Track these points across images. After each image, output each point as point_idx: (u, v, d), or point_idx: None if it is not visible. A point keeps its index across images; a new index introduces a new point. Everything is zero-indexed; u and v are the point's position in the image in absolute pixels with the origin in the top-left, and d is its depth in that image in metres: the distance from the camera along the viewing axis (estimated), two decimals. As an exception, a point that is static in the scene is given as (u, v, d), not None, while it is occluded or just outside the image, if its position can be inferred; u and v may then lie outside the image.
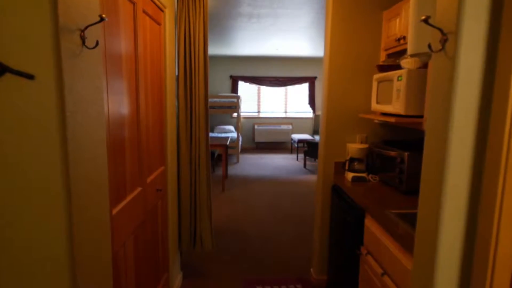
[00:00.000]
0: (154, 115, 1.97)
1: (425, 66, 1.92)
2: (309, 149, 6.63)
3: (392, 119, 1.87)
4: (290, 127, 9.17)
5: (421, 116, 1.82)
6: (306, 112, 9.43)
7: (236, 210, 4.34)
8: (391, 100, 2.02)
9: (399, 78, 1.91)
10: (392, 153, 2.07)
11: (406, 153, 1.94)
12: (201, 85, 2.51)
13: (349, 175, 2.33)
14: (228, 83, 9.09)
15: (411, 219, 1.58)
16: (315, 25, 5.05)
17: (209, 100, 7.18)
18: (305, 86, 9.29)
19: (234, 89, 9.04)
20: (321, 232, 2.58)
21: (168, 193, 2.30)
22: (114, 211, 1.35)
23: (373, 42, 2.40)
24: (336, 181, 2.41)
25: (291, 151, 8.70)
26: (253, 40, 6.38)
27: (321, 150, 2.56)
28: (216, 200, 4.67)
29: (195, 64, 2.47)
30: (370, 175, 2.32)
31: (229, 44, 6.98)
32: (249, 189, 5.26)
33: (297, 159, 7.73)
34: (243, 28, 5.35)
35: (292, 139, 8.38)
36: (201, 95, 2.52)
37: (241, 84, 9.15)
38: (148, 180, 1.85)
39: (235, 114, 8.91)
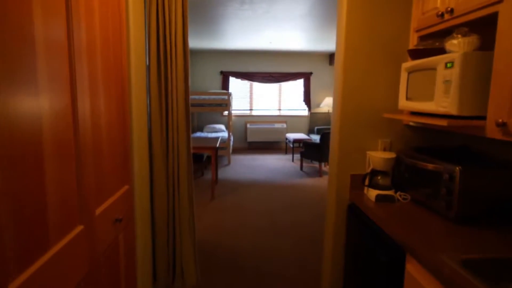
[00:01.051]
0: (109, 116, 1.41)
1: (481, 47, 1.41)
2: (306, 150, 6.12)
3: (444, 122, 1.35)
4: (285, 125, 8.66)
5: (483, 117, 1.31)
6: (301, 110, 8.92)
7: (228, 221, 3.80)
8: (432, 95, 1.50)
9: (448, 65, 1.39)
10: (433, 166, 1.56)
11: (457, 168, 1.42)
12: (180, 77, 1.95)
13: (372, 193, 1.81)
14: (218, 79, 8.52)
15: (494, 273, 1.07)
16: (312, 14, 4.52)
17: (198, 97, 6.60)
18: (300, 83, 8.77)
19: (225, 85, 8.47)
20: (333, 265, 2.06)
21: (136, 221, 1.74)
22: (16, 283, 0.80)
23: (401, 22, 1.88)
24: (353, 199, 1.89)
25: (285, 151, 8.19)
26: (245, 32, 5.82)
27: (333, 159, 2.03)
28: (205, 210, 4.12)
29: (171, 50, 1.92)
30: (399, 193, 1.81)
31: (219, 37, 6.40)
32: (242, 196, 4.73)
33: (293, 160, 7.22)
34: (234, 17, 4.80)
35: (286, 139, 7.86)
36: (180, 89, 1.97)
37: (232, 80, 8.59)
38: (99, 210, 1.29)
39: (226, 112, 8.36)
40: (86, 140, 1.18)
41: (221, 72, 8.46)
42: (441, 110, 1.43)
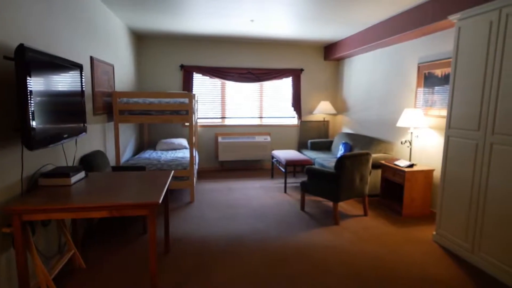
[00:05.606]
0: None
1: None
2: (312, 182, 3.98)
3: None
4: (268, 138, 6.51)
5: None
6: (289, 117, 6.83)
7: None
8: None
9: None
10: None
11: None
12: None
13: None
14: (177, 77, 6.22)
15: None
16: None
17: (144, 101, 4.15)
18: (287, 82, 6.69)
19: (187, 85, 6.18)
20: None
21: None
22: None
23: None
24: None
25: (272, 174, 6.00)
26: (215, 6, 3.62)
27: None
28: None
29: None
30: None
31: (178, 14, 4.13)
32: (214, 288, 2.47)
33: (285, 191, 5.05)
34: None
35: (273, 158, 5.71)
36: None
37: (197, 78, 6.33)
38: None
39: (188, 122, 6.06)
40: None
41: (182, 67, 6.16)
42: None
